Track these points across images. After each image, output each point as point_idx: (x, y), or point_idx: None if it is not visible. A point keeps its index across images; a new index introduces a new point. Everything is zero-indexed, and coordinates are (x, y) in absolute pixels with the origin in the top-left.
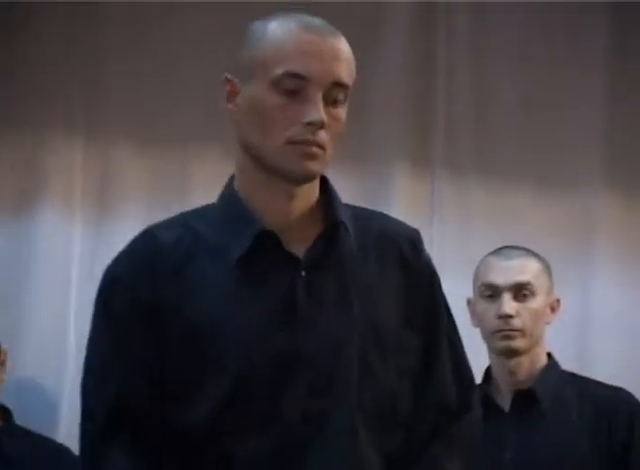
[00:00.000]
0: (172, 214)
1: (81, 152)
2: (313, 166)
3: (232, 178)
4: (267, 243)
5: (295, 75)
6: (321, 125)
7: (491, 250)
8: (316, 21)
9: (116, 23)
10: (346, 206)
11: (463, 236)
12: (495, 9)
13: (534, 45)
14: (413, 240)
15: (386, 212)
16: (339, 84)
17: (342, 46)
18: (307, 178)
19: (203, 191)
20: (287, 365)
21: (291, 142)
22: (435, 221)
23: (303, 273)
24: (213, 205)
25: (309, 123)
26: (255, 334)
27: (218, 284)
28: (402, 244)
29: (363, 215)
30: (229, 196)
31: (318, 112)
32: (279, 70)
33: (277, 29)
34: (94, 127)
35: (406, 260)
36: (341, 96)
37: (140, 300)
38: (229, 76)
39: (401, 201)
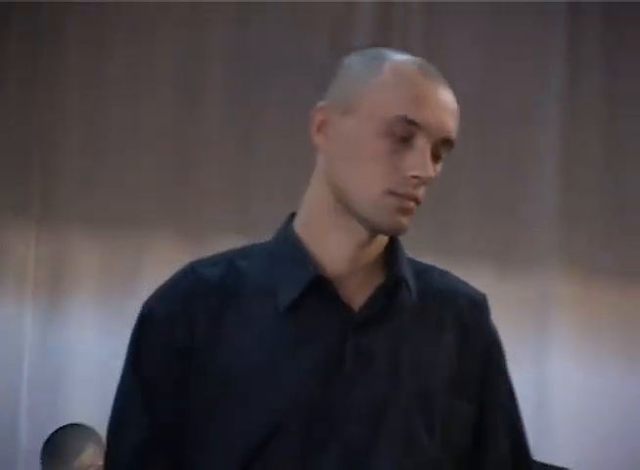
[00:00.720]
0: (124, 300)
1: (34, 238)
2: (406, 222)
3: (291, 217)
4: (321, 291)
5: (410, 122)
6: (425, 181)
7: None
8: (430, 66)
9: (69, 109)
10: (409, 259)
11: None
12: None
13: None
14: (477, 303)
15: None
16: (448, 141)
17: (453, 99)
18: (397, 233)
19: (155, 276)
20: (321, 427)
21: (391, 193)
22: None
23: (355, 329)
24: (266, 243)
25: (415, 177)
26: (292, 390)
27: (262, 331)
28: (463, 305)
29: (425, 270)
30: (286, 235)
31: (427, 166)
32: (392, 113)
33: (394, 68)
34: (47, 213)
35: (465, 324)
36: (444, 154)
37: (173, 343)
38: (323, 104)
39: None
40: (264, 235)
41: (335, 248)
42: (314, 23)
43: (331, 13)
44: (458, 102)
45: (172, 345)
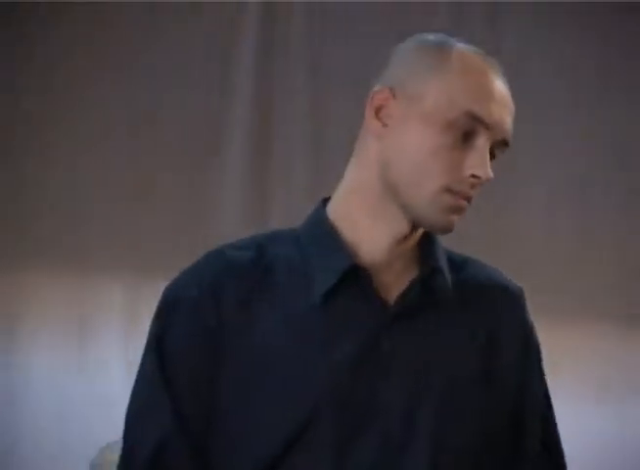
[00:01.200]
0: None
1: None
2: (456, 221)
3: (324, 202)
4: (357, 280)
5: (475, 118)
6: (483, 182)
7: None
8: (492, 59)
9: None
10: (446, 251)
11: None
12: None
13: None
14: (513, 296)
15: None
16: (505, 143)
17: (511, 98)
18: (446, 232)
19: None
20: (355, 419)
21: (448, 190)
22: None
23: (389, 323)
24: (295, 228)
25: (475, 177)
26: (327, 381)
27: (295, 318)
28: (500, 298)
29: (463, 262)
30: (318, 220)
31: (487, 167)
32: (459, 108)
33: (461, 58)
34: None
35: (499, 315)
36: (500, 154)
37: (201, 328)
38: (383, 88)
39: None
40: None
41: (373, 237)
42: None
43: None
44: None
45: (200, 330)
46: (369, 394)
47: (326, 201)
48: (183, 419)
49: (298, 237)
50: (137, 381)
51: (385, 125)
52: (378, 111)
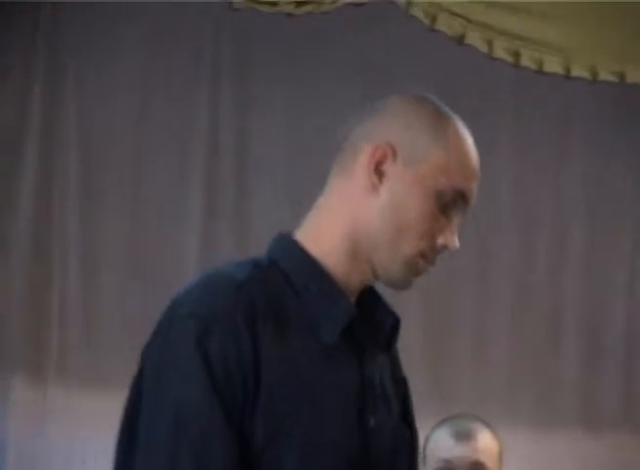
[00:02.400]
0: None
1: None
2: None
3: (289, 238)
4: (351, 322)
5: (461, 195)
6: (448, 252)
7: None
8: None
9: None
10: None
11: None
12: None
13: None
14: (397, 326)
15: None
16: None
17: None
18: (403, 290)
19: None
20: (361, 461)
21: (420, 255)
22: None
23: (365, 363)
24: (276, 267)
25: (444, 247)
26: (338, 424)
27: (306, 360)
28: (392, 330)
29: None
30: (304, 261)
31: (455, 239)
32: (450, 184)
33: (456, 137)
34: None
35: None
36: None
37: (242, 356)
38: (385, 144)
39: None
40: None
41: (349, 282)
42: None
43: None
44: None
45: (242, 359)
46: (364, 447)
47: (286, 235)
48: (241, 448)
49: (287, 275)
50: (189, 417)
51: (380, 182)
52: (377, 165)
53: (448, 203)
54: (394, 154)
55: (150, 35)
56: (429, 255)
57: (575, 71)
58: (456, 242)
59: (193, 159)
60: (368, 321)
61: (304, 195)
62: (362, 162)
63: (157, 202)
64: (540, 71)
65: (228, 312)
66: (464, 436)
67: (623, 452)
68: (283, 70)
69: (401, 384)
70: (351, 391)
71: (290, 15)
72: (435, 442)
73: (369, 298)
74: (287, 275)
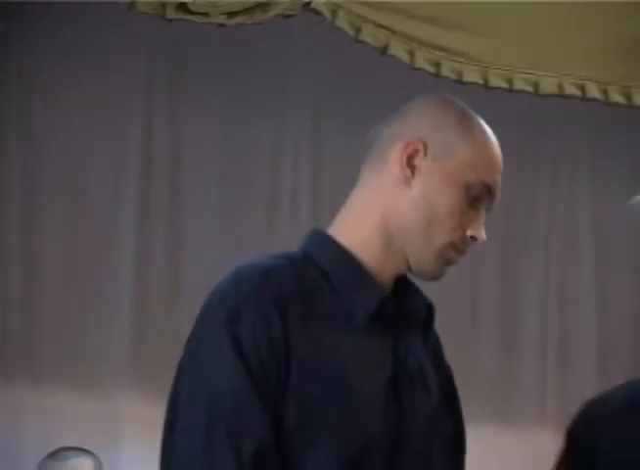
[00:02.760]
0: None
1: None
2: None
3: (323, 233)
4: (384, 309)
5: (487, 188)
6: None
7: None
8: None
9: None
10: None
11: None
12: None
13: None
14: (432, 313)
15: None
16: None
17: None
18: (436, 280)
19: None
20: (395, 444)
21: (451, 246)
22: None
23: (401, 347)
24: (309, 258)
25: (473, 238)
26: (370, 406)
27: (338, 344)
28: (428, 316)
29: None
30: (336, 250)
31: (483, 231)
32: (478, 178)
33: (481, 133)
34: None
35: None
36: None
37: (272, 338)
38: (417, 141)
39: None
40: None
41: (387, 275)
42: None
43: None
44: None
45: (272, 339)
46: (399, 423)
47: (320, 231)
48: (272, 425)
49: (322, 269)
50: (223, 393)
51: (413, 175)
52: (409, 160)
53: (477, 196)
54: (426, 149)
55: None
56: (459, 246)
57: (493, 82)
58: (484, 234)
59: (128, 171)
60: (401, 309)
61: (237, 205)
62: (394, 157)
63: (93, 212)
64: (459, 81)
65: (256, 295)
66: None
67: (541, 447)
68: (215, 81)
69: (444, 372)
70: (384, 373)
71: (221, 26)
72: None
73: (402, 286)
74: (322, 269)
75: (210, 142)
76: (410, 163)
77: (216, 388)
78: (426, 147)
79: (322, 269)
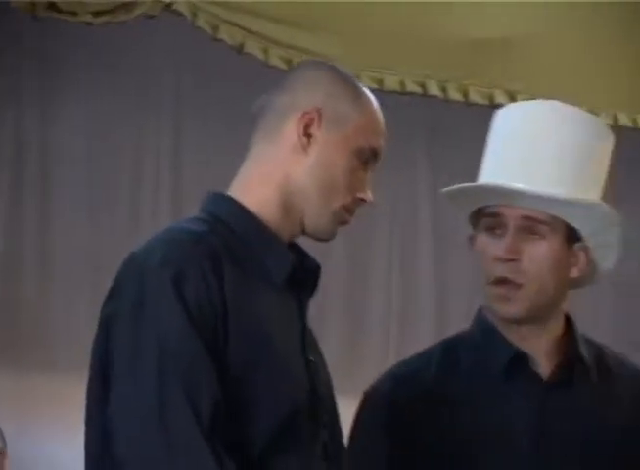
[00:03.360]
0: None
1: None
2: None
3: (225, 196)
4: (297, 265)
5: (374, 153)
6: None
7: None
8: None
9: None
10: None
11: None
12: None
13: None
14: (319, 273)
15: None
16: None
17: None
18: (329, 240)
19: None
20: (309, 394)
21: (345, 209)
22: None
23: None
24: (218, 223)
25: (362, 200)
26: (294, 362)
27: (264, 303)
28: (316, 276)
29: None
30: (243, 214)
31: (369, 193)
32: (368, 143)
33: (371, 101)
34: None
35: (314, 291)
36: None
37: (213, 297)
38: (312, 109)
39: None
40: None
41: (284, 235)
42: None
43: None
44: None
45: (212, 301)
46: (312, 385)
47: (220, 194)
48: (217, 381)
49: (231, 229)
50: (176, 355)
51: (309, 143)
52: (305, 129)
53: (366, 160)
54: (320, 117)
55: None
56: (351, 207)
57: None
58: (371, 196)
59: None
60: (301, 270)
61: (103, 202)
62: (290, 127)
63: None
64: None
65: (197, 260)
66: None
67: None
68: (81, 81)
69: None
70: (297, 332)
71: (89, 24)
72: None
73: (295, 250)
74: (232, 229)
75: (77, 141)
76: (306, 131)
77: (168, 346)
78: (320, 116)
79: (236, 232)
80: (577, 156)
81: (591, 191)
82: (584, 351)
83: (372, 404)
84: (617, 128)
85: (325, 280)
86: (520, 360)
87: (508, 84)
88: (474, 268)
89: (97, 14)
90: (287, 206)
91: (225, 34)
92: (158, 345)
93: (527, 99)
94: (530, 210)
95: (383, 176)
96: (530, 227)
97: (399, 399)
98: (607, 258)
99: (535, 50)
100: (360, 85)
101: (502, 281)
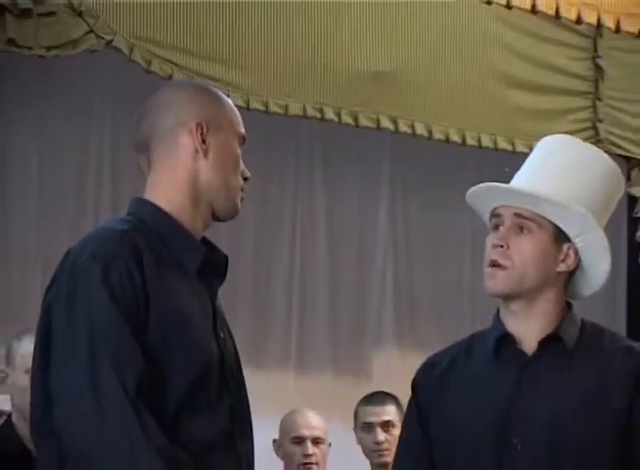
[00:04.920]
0: None
1: None
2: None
3: (144, 200)
4: (208, 257)
5: (243, 138)
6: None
7: None
8: None
9: None
10: None
11: None
12: None
13: None
14: (227, 263)
15: None
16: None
17: None
18: (235, 216)
19: None
20: (219, 364)
21: (240, 188)
22: None
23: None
24: (140, 221)
25: (246, 178)
26: (206, 338)
27: (179, 289)
28: (225, 266)
29: None
30: (159, 214)
31: (247, 171)
32: (239, 131)
33: (227, 99)
34: None
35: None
36: None
37: (135, 286)
38: (197, 122)
39: None
40: None
41: (195, 227)
42: None
43: None
44: None
45: (135, 288)
46: (219, 348)
47: (141, 198)
48: (140, 353)
49: (151, 227)
50: (103, 333)
51: (206, 147)
52: (202, 137)
53: (240, 146)
54: (207, 125)
55: None
56: (242, 186)
57: (253, 105)
58: (248, 173)
59: None
60: (211, 260)
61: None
62: (184, 139)
63: None
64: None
65: (121, 254)
66: None
67: (286, 385)
68: (35, 104)
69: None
70: (208, 312)
71: (42, 57)
72: None
73: (206, 244)
74: (151, 227)
75: (30, 155)
76: (203, 140)
77: (97, 328)
78: (207, 124)
79: (154, 229)
80: (578, 175)
81: (584, 204)
82: (567, 330)
83: (412, 386)
84: (480, 149)
85: (235, 271)
86: (507, 339)
87: (390, 111)
88: (360, 266)
89: (49, 48)
90: (198, 201)
91: (156, 67)
92: (89, 327)
93: (408, 124)
94: (520, 208)
95: (286, 185)
96: (520, 223)
97: (421, 382)
98: (599, 261)
99: (413, 81)
100: (213, 89)
101: (493, 263)
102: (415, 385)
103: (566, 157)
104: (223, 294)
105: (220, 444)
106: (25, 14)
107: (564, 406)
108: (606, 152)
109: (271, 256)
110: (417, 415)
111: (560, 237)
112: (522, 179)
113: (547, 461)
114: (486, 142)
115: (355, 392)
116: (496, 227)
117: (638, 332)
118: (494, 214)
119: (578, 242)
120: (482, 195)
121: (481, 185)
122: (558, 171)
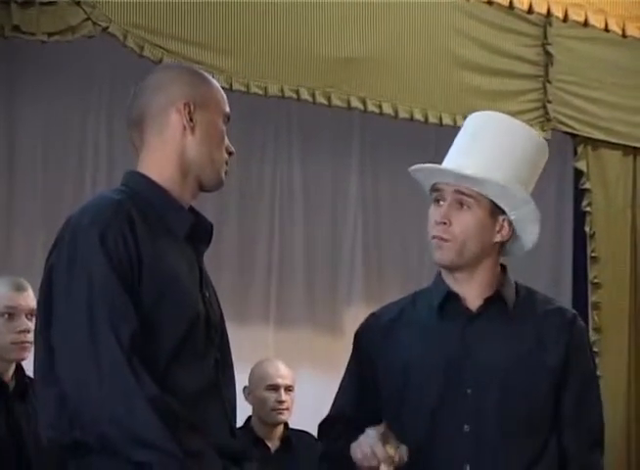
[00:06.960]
0: None
1: None
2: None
3: (138, 173)
4: (195, 224)
5: (228, 117)
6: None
7: None
8: None
9: None
10: None
11: None
12: None
13: None
14: (212, 230)
15: None
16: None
17: None
18: (221, 187)
19: None
20: (205, 321)
21: (225, 161)
22: None
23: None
24: (139, 195)
25: (231, 153)
26: (194, 297)
27: (170, 253)
28: (210, 233)
29: None
30: (151, 185)
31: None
32: (225, 110)
33: (213, 80)
34: None
35: (209, 244)
36: None
37: (130, 253)
38: (185, 102)
39: None
40: None
41: (184, 197)
42: None
43: None
44: None
45: (129, 252)
46: (204, 308)
47: (135, 172)
48: (135, 315)
49: (144, 196)
50: (100, 296)
51: (193, 125)
52: (189, 115)
53: (225, 123)
54: (195, 104)
55: None
56: (227, 159)
57: (235, 87)
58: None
59: None
60: (197, 228)
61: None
62: (175, 119)
63: None
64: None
65: (117, 221)
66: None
67: (266, 339)
68: (39, 88)
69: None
70: (195, 274)
71: (43, 42)
72: None
73: (193, 213)
74: (143, 197)
75: (36, 136)
76: (190, 118)
77: (95, 288)
78: (194, 103)
79: (146, 199)
80: (507, 152)
81: (512, 178)
82: (507, 291)
83: (355, 332)
84: (440, 127)
85: (220, 237)
86: (452, 298)
87: (360, 92)
88: (334, 230)
89: (50, 34)
90: (186, 174)
91: (148, 52)
92: (87, 287)
93: (376, 104)
94: (460, 186)
95: (266, 158)
96: (460, 199)
97: (364, 333)
98: (529, 232)
99: (381, 65)
100: (200, 71)
101: (436, 238)
102: (358, 337)
103: (496, 133)
104: (209, 256)
105: (207, 392)
106: (28, 3)
107: (509, 358)
108: (554, 129)
109: (253, 222)
110: (359, 361)
111: (496, 211)
112: (458, 155)
113: (496, 407)
114: (447, 120)
115: (330, 344)
116: (437, 201)
117: (583, 299)
118: (435, 188)
119: (512, 215)
120: (426, 171)
121: (423, 165)
122: (490, 148)
